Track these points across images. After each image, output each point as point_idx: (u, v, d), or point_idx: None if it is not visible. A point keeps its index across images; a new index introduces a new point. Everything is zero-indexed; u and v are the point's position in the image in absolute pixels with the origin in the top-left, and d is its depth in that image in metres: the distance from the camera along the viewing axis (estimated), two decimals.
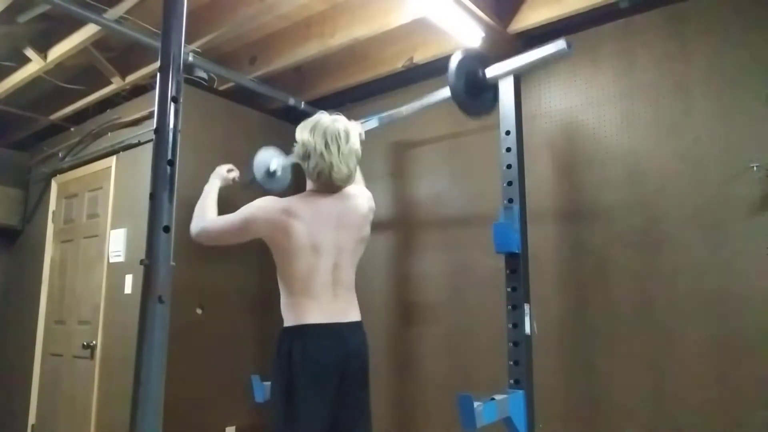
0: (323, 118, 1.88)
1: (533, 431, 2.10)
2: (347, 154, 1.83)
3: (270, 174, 2.70)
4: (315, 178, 1.86)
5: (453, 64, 2.06)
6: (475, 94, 2.11)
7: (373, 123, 2.51)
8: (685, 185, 2.23)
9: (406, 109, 2.44)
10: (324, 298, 1.81)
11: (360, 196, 1.97)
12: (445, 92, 2.13)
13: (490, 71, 2.13)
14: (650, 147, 2.34)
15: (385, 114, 2.51)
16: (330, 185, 1.86)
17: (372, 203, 2.03)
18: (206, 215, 1.91)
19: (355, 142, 1.88)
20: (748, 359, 2.02)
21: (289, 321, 1.80)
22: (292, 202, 1.82)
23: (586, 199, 2.48)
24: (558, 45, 1.91)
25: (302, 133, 1.87)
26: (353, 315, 1.89)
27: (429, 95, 2.31)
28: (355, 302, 1.93)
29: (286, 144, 3.80)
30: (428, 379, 2.88)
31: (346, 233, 1.86)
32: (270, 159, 2.70)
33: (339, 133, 1.83)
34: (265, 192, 2.72)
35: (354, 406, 1.82)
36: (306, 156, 1.84)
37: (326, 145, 1.80)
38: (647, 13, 2.41)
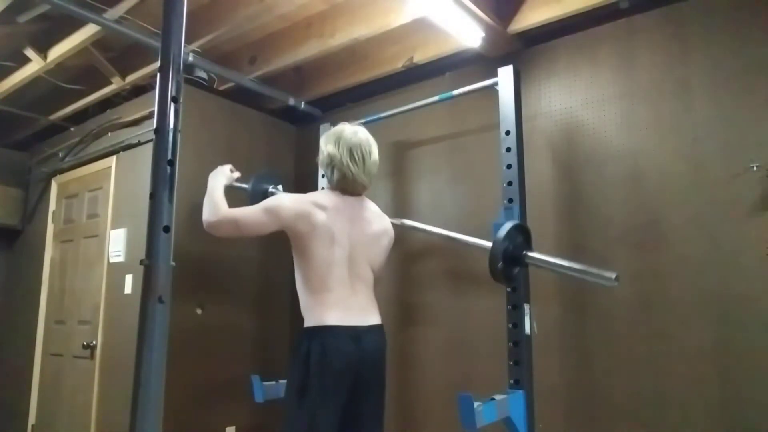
0: (346, 129, 1.98)
1: (533, 431, 2.10)
2: (370, 167, 1.95)
3: (264, 195, 2.84)
4: (335, 186, 1.96)
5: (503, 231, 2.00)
6: (509, 264, 2.05)
7: None
8: (685, 185, 2.23)
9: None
10: (342, 293, 1.83)
11: (377, 212, 2.05)
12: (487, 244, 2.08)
13: (532, 256, 2.05)
14: (650, 147, 2.33)
15: None
16: (349, 191, 1.95)
17: (391, 231, 2.08)
18: (220, 206, 1.90)
19: (376, 155, 1.99)
20: (748, 359, 2.02)
21: (309, 321, 1.83)
22: (317, 194, 1.94)
23: (586, 199, 2.48)
24: (608, 276, 1.83)
25: (327, 144, 1.96)
26: (373, 318, 1.91)
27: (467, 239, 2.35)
28: (375, 302, 1.95)
29: (286, 143, 3.80)
30: (428, 379, 2.88)
31: (357, 227, 1.92)
32: (268, 183, 2.91)
33: (363, 147, 1.94)
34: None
35: (367, 411, 1.84)
36: (330, 166, 1.94)
37: (352, 158, 1.91)
38: (647, 13, 2.41)
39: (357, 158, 1.91)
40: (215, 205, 1.90)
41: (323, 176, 2.43)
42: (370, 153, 1.95)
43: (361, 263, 1.91)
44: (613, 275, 1.83)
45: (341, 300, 1.82)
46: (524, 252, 2.07)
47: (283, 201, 1.88)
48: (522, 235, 2.10)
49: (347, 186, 1.93)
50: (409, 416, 2.91)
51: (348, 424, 1.79)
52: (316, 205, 1.85)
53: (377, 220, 2.00)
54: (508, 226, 2.02)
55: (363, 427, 1.83)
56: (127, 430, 0.91)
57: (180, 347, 2.85)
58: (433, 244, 2.97)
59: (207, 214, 1.89)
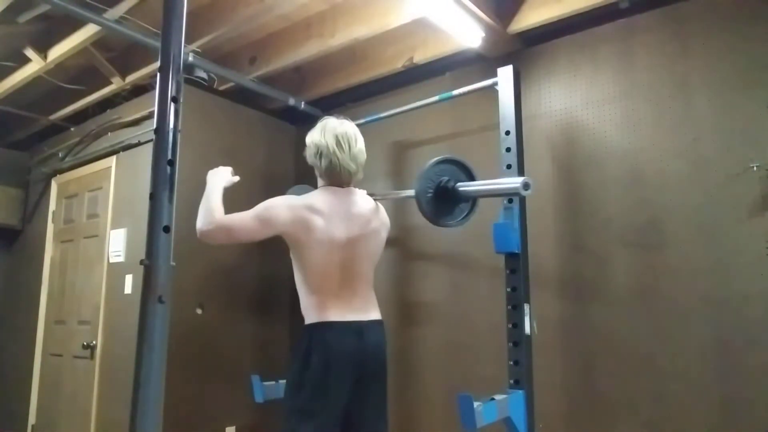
0: (330, 120, 1.99)
1: (533, 431, 2.10)
2: (356, 154, 1.96)
3: None
4: (325, 175, 1.96)
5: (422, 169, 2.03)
6: (446, 202, 2.07)
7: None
8: (685, 185, 2.23)
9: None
10: (343, 293, 1.84)
11: (371, 204, 2.02)
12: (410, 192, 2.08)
13: (462, 187, 2.06)
14: (650, 147, 2.33)
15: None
16: (339, 182, 1.95)
17: (386, 221, 2.07)
18: (215, 213, 1.83)
19: (362, 146, 2.00)
20: (748, 359, 2.02)
21: (310, 319, 1.83)
22: (311, 198, 1.91)
23: (586, 199, 2.48)
24: (515, 181, 1.90)
25: (312, 135, 1.98)
26: (374, 313, 1.92)
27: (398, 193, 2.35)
28: (375, 300, 1.96)
29: (286, 143, 3.80)
30: (428, 379, 2.88)
31: (355, 224, 1.91)
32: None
33: (348, 134, 1.95)
34: None
35: (371, 404, 1.85)
36: (318, 154, 1.94)
37: (338, 143, 1.92)
38: (647, 13, 2.41)
39: (343, 144, 1.92)
40: (210, 212, 1.82)
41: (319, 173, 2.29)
42: (355, 140, 1.96)
43: (362, 263, 1.91)
44: (519, 181, 1.88)
45: (342, 300, 1.84)
46: (455, 185, 2.05)
47: (277, 208, 1.83)
48: (456, 168, 2.11)
49: (335, 173, 1.92)
50: (410, 416, 2.91)
51: (353, 419, 1.80)
52: (312, 210, 1.83)
53: (374, 214, 1.99)
54: (429, 164, 2.04)
55: (369, 421, 1.84)
56: (127, 430, 0.91)
57: (180, 347, 2.85)
58: (433, 244, 2.97)
59: (200, 222, 1.81)
